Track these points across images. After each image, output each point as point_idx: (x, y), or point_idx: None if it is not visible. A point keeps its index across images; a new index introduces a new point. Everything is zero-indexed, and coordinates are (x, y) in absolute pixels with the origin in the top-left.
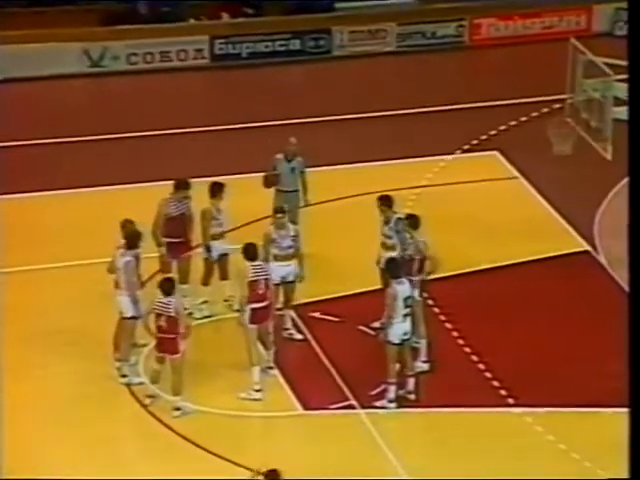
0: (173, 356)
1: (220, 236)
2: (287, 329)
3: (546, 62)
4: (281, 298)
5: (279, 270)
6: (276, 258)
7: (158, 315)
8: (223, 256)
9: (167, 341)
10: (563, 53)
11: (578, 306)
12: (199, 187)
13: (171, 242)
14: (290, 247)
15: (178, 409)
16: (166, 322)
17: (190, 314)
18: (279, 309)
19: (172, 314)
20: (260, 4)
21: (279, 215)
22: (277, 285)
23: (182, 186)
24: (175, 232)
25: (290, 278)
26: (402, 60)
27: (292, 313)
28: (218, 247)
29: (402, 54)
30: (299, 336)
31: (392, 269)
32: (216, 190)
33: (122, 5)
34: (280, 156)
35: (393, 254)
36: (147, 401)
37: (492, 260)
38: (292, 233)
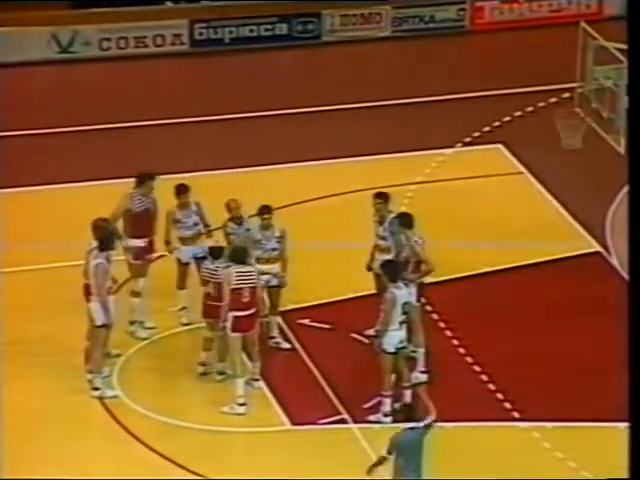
0: (220, 323)
1: (190, 240)
2: (273, 337)
3: (554, 48)
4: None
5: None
6: (258, 260)
7: (205, 282)
8: (200, 260)
9: (214, 308)
10: (572, 38)
11: (589, 312)
12: (176, 183)
13: (138, 244)
14: (274, 249)
15: (222, 373)
16: (214, 289)
17: (143, 324)
18: (264, 316)
19: (220, 280)
20: None
21: (266, 216)
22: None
23: (146, 178)
24: (141, 232)
25: (274, 282)
26: (398, 46)
27: (279, 320)
28: (189, 251)
29: (398, 40)
30: (286, 345)
31: (390, 272)
32: (178, 192)
33: None
34: (231, 224)
35: (388, 257)
36: (200, 369)
37: (495, 262)
38: (277, 234)
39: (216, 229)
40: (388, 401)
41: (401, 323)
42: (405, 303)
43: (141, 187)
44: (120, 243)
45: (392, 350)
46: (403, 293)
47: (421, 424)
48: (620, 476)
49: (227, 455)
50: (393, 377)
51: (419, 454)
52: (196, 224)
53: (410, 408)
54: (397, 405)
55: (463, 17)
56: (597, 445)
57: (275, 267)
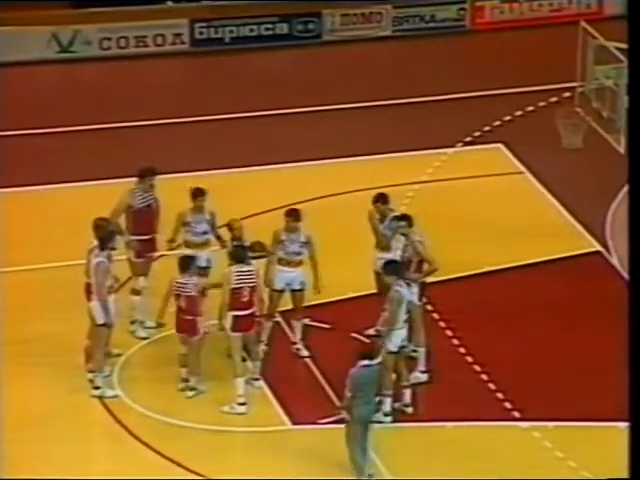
0: (192, 338)
1: (196, 247)
2: (294, 343)
3: (554, 47)
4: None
5: (283, 276)
6: (280, 262)
7: (177, 296)
8: (202, 269)
9: (186, 322)
10: (573, 38)
11: (589, 311)
12: (177, 182)
13: (138, 240)
14: (298, 253)
15: (193, 389)
16: (185, 302)
17: (144, 324)
18: (269, 315)
19: (191, 294)
20: None
21: (290, 218)
22: (280, 292)
23: (148, 174)
24: (142, 228)
25: (295, 286)
26: (398, 46)
27: (299, 324)
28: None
29: (398, 39)
30: (305, 353)
31: (395, 271)
32: (194, 195)
33: None
34: (235, 242)
35: (389, 255)
36: (181, 385)
37: (495, 262)
38: (302, 239)
39: (224, 225)
40: (388, 400)
41: (405, 322)
42: (408, 302)
43: (141, 183)
44: (122, 240)
45: (395, 349)
46: (406, 292)
47: (375, 362)
48: (620, 476)
49: (227, 455)
50: (393, 376)
51: (373, 389)
52: (205, 232)
53: (366, 350)
54: (397, 405)
55: (463, 17)
56: (597, 445)
57: (296, 271)
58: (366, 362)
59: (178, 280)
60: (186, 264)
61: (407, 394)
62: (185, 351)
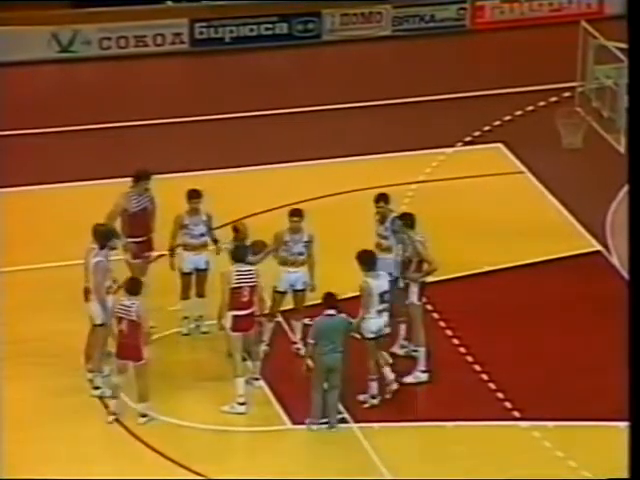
0: (137, 363)
1: (193, 249)
2: (295, 343)
3: (554, 47)
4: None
5: (287, 277)
6: (284, 263)
7: (120, 319)
8: (200, 271)
9: (129, 347)
10: (573, 37)
11: (589, 311)
12: (176, 182)
13: (134, 242)
14: (301, 254)
15: (144, 416)
16: (127, 327)
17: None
18: (270, 316)
19: (134, 318)
20: None
21: (295, 218)
22: (283, 293)
23: (143, 177)
24: (138, 231)
25: (298, 286)
26: (398, 45)
27: (299, 323)
28: (191, 262)
29: (398, 39)
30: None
31: (367, 262)
32: (190, 197)
33: None
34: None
35: (389, 256)
36: (110, 419)
37: (495, 262)
38: (305, 239)
39: (221, 224)
40: (374, 384)
41: (380, 312)
42: (385, 292)
43: (136, 186)
44: (119, 243)
45: (371, 336)
46: (382, 283)
47: (342, 315)
48: (620, 476)
49: (227, 454)
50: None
51: (336, 340)
52: (203, 234)
53: (331, 299)
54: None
55: (463, 16)
56: (597, 445)
57: (300, 271)
58: (331, 312)
59: (123, 302)
60: (137, 287)
61: (374, 386)
62: (118, 381)
